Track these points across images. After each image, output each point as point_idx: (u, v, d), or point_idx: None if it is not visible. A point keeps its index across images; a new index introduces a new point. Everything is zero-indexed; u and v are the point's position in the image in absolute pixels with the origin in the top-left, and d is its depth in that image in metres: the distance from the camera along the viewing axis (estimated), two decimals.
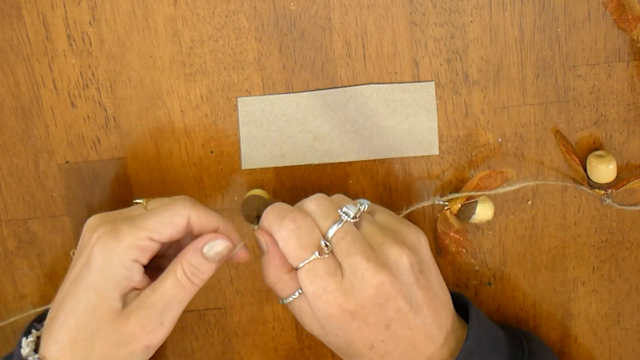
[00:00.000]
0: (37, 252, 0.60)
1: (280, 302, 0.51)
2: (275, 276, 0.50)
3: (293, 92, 0.56)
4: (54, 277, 0.60)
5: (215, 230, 0.50)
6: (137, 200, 0.52)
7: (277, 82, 0.56)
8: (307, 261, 0.48)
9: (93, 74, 0.55)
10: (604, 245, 0.59)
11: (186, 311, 0.60)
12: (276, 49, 0.55)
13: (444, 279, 0.60)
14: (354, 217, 0.49)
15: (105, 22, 0.54)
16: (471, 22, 0.54)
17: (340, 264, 0.48)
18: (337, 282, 0.48)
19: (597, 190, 0.55)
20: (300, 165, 0.57)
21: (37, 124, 0.57)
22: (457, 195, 0.57)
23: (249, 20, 0.54)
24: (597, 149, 0.56)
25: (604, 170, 0.55)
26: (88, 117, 0.56)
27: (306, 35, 0.55)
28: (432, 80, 0.55)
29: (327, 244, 0.48)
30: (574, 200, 0.58)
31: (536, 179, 0.57)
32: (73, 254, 0.59)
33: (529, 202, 0.58)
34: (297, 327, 0.61)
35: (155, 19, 0.54)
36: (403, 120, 0.56)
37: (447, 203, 0.57)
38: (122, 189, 0.58)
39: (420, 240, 0.51)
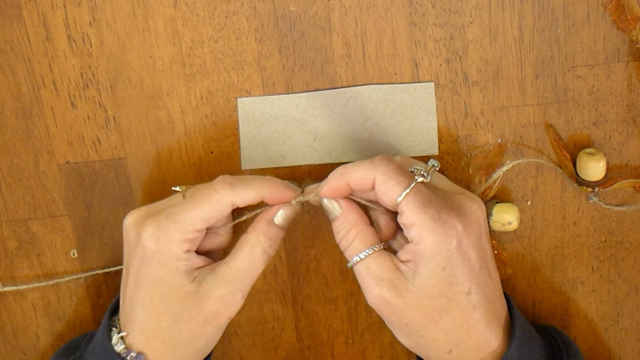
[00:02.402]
0: (37, 252, 0.60)
1: (351, 263, 0.50)
2: (355, 230, 0.50)
3: (293, 93, 0.56)
4: (54, 277, 0.60)
5: (261, 201, 0.51)
6: (176, 188, 0.52)
7: (277, 83, 0.56)
8: (412, 184, 0.47)
9: (93, 75, 0.56)
10: (603, 246, 0.59)
11: None
12: (276, 50, 0.55)
13: None
14: (423, 176, 0.49)
15: (106, 23, 0.54)
16: (471, 22, 0.54)
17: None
18: (445, 205, 0.48)
19: (584, 187, 0.56)
20: (300, 166, 0.57)
21: (37, 125, 0.57)
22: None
23: (249, 21, 0.54)
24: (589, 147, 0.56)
25: (593, 167, 0.55)
26: (88, 117, 0.57)
27: (306, 35, 0.55)
28: (431, 81, 0.55)
29: (426, 173, 0.49)
30: (574, 200, 0.58)
31: (536, 179, 0.57)
32: (73, 254, 0.60)
33: (529, 203, 0.58)
34: (297, 327, 0.62)
35: (156, 19, 0.54)
36: (403, 121, 0.56)
37: None
38: (122, 189, 0.58)
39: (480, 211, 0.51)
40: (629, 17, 0.53)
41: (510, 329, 0.51)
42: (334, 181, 0.50)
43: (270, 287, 0.60)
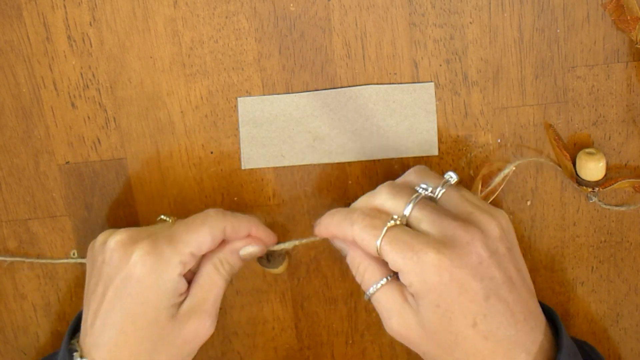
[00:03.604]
0: (37, 252, 0.60)
1: (367, 296, 0.50)
2: (361, 265, 0.50)
3: (293, 93, 0.56)
4: (54, 277, 0.60)
5: (249, 234, 0.53)
6: (164, 218, 0.54)
7: (277, 83, 0.56)
8: (383, 232, 0.47)
9: (93, 75, 0.56)
10: (602, 246, 0.59)
11: None
12: (276, 50, 0.55)
13: None
14: (434, 191, 0.49)
15: (106, 23, 0.54)
16: (470, 23, 0.54)
17: (422, 230, 0.48)
18: (425, 241, 0.46)
19: (584, 187, 0.56)
20: (300, 166, 0.57)
21: (37, 125, 0.57)
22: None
23: (249, 21, 0.54)
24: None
25: (592, 167, 0.55)
26: (88, 117, 0.57)
27: (306, 36, 0.55)
28: (431, 81, 0.55)
29: (399, 217, 0.48)
30: (573, 200, 0.58)
31: (535, 179, 0.57)
32: (74, 254, 0.60)
33: (528, 203, 0.58)
34: (297, 327, 0.62)
35: (155, 20, 0.54)
36: (402, 121, 0.56)
37: None
38: (122, 190, 0.58)
39: (508, 220, 0.49)
40: (628, 18, 0.53)
41: (553, 352, 0.48)
42: (324, 233, 0.52)
43: (270, 287, 0.60)
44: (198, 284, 0.52)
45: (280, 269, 0.58)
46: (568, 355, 0.48)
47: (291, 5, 0.54)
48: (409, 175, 0.52)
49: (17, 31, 0.55)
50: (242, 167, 0.58)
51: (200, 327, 0.51)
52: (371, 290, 0.50)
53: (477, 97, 0.56)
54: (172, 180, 0.58)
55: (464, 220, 0.47)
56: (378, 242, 0.47)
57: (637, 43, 0.53)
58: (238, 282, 0.60)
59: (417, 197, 0.48)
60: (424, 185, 0.50)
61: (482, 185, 0.56)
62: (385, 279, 0.49)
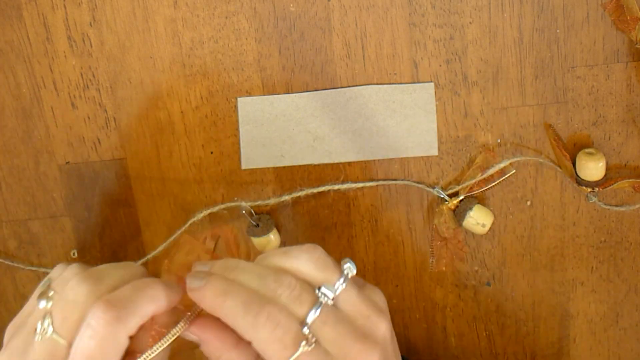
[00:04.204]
0: (37, 253, 0.60)
1: None
2: (226, 354, 0.42)
3: (293, 93, 0.56)
4: None
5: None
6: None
7: (277, 83, 0.56)
8: (294, 357, 0.40)
9: (93, 75, 0.56)
10: (602, 246, 0.59)
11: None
12: (276, 50, 0.55)
13: (444, 278, 0.60)
14: (334, 291, 0.42)
15: (106, 24, 0.54)
16: (470, 23, 0.54)
17: (327, 350, 0.41)
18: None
19: (584, 187, 0.56)
20: (299, 165, 0.57)
21: (37, 125, 0.57)
22: (457, 187, 0.57)
23: (249, 21, 0.54)
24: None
25: (592, 168, 0.55)
26: (88, 117, 0.57)
27: (306, 36, 0.55)
28: (431, 81, 0.55)
29: (308, 333, 0.41)
30: (573, 200, 0.58)
31: (535, 179, 0.57)
32: (74, 254, 0.60)
33: (528, 203, 0.58)
34: None
35: (156, 20, 0.54)
36: (402, 121, 0.56)
37: (446, 197, 0.57)
38: (122, 190, 0.58)
39: (387, 306, 0.45)
40: (628, 18, 0.53)
41: None
42: (206, 305, 0.42)
43: None
44: None
45: (271, 244, 0.57)
46: None
47: (291, 5, 0.54)
48: (305, 266, 0.43)
49: (17, 31, 0.55)
50: (242, 167, 0.58)
51: None
52: None
53: (477, 97, 0.56)
54: (172, 180, 0.58)
55: (363, 335, 0.42)
56: None
57: (636, 43, 0.53)
58: None
59: (319, 305, 0.41)
60: (325, 291, 0.42)
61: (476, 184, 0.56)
62: None
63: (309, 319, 0.41)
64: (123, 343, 0.40)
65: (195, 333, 0.42)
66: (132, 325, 0.40)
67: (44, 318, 0.41)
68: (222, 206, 0.58)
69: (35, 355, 0.41)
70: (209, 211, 0.58)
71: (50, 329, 0.41)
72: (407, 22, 0.54)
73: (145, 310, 0.41)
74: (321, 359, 0.41)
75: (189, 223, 0.58)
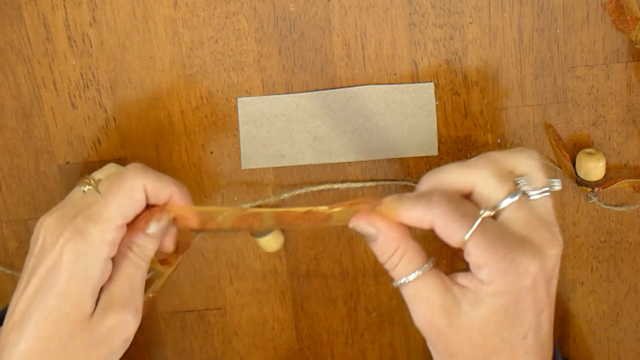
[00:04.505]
0: None
1: (399, 283, 0.45)
2: (400, 251, 0.45)
3: (293, 93, 0.56)
4: None
5: (169, 197, 0.48)
6: (84, 188, 0.49)
7: (277, 83, 0.56)
8: (476, 224, 0.43)
9: (93, 75, 0.56)
10: (602, 246, 0.59)
11: (186, 311, 0.61)
12: (276, 50, 0.55)
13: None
14: (532, 191, 0.44)
15: (106, 24, 0.55)
16: (470, 23, 0.54)
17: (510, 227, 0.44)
18: (520, 241, 0.43)
19: (584, 187, 0.56)
20: (299, 165, 0.57)
21: (37, 125, 0.57)
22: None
23: (249, 21, 0.54)
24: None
25: (592, 167, 0.55)
26: (88, 117, 0.57)
27: (306, 36, 0.55)
28: (431, 81, 0.55)
29: (489, 208, 0.44)
30: (573, 200, 0.58)
31: None
32: None
33: None
34: (297, 327, 0.62)
35: (156, 20, 0.54)
36: (402, 121, 0.56)
37: None
38: None
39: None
40: (628, 18, 0.53)
41: None
42: (384, 217, 0.46)
43: (270, 287, 0.60)
44: (113, 279, 0.47)
45: (273, 243, 0.57)
46: None
47: (291, 5, 0.54)
48: (517, 159, 0.46)
49: (17, 31, 0.55)
50: (242, 168, 0.58)
51: (119, 324, 0.46)
52: (412, 276, 0.44)
53: (477, 97, 0.56)
54: None
55: (550, 230, 0.44)
56: (467, 235, 0.43)
57: (636, 43, 0.53)
58: (238, 282, 0.60)
59: (517, 193, 0.44)
60: (523, 182, 0.44)
61: None
62: (426, 266, 0.45)
63: (503, 204, 0.44)
64: (141, 196, 0.47)
65: (374, 223, 0.45)
66: (154, 183, 0.47)
67: (86, 183, 0.49)
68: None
69: (74, 199, 0.48)
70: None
71: (91, 187, 0.48)
72: (407, 22, 0.54)
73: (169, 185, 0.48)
74: (503, 230, 0.43)
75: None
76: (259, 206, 0.58)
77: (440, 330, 0.44)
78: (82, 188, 0.48)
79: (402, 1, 0.54)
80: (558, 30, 0.54)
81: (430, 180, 0.46)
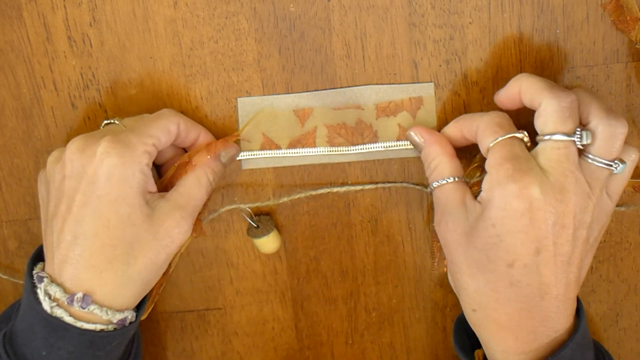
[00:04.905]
0: None
1: (430, 189, 0.52)
2: (435, 160, 0.51)
3: (293, 93, 0.56)
4: None
5: (198, 138, 0.54)
6: (110, 121, 0.53)
7: (277, 83, 0.56)
8: (504, 137, 0.48)
9: (93, 75, 0.56)
10: (602, 246, 0.59)
11: (186, 311, 0.61)
12: (276, 50, 0.55)
13: (444, 278, 0.60)
14: (584, 143, 0.47)
15: (106, 24, 0.55)
16: (470, 23, 0.54)
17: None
18: (536, 171, 0.46)
19: None
20: (299, 166, 0.57)
21: (37, 125, 0.57)
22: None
23: (249, 21, 0.54)
24: None
25: None
26: (88, 118, 0.57)
27: (306, 36, 0.55)
28: (431, 82, 0.55)
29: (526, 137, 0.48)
30: None
31: None
32: None
33: None
34: (297, 327, 0.62)
35: (156, 20, 0.54)
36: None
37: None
38: None
39: None
40: (628, 18, 0.53)
41: (572, 330, 0.48)
42: (449, 130, 0.53)
43: (270, 287, 0.60)
44: (177, 191, 0.51)
45: (271, 244, 0.57)
46: (583, 337, 0.48)
47: (291, 5, 0.54)
48: (590, 106, 0.48)
49: (17, 32, 0.55)
50: (242, 168, 0.58)
51: (176, 228, 0.49)
52: (435, 184, 0.51)
53: (477, 98, 0.56)
54: None
55: (579, 186, 0.46)
56: (492, 143, 0.48)
57: (636, 43, 0.53)
58: (238, 282, 0.60)
59: (571, 140, 0.46)
60: (584, 136, 0.47)
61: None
62: (452, 178, 0.50)
63: (546, 138, 0.47)
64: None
65: (422, 135, 0.53)
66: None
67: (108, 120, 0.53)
68: (222, 210, 0.58)
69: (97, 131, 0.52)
70: (210, 217, 0.58)
71: (114, 121, 0.52)
72: (407, 22, 0.54)
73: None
74: (527, 156, 0.47)
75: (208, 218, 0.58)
76: (258, 208, 0.58)
77: (443, 234, 0.49)
78: (105, 122, 0.53)
79: (402, 1, 0.54)
80: (558, 31, 0.54)
81: (458, 123, 0.53)
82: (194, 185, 0.51)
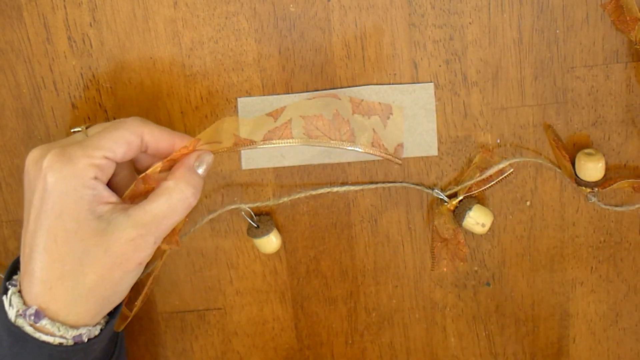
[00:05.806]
0: None
1: None
2: None
3: (293, 93, 0.56)
4: None
5: (173, 147, 0.50)
6: (76, 129, 0.51)
7: (277, 83, 0.56)
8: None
9: (93, 75, 0.56)
10: (602, 246, 0.59)
11: (186, 311, 0.61)
12: (276, 51, 0.55)
13: (443, 278, 0.60)
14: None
15: (106, 24, 0.55)
16: (470, 23, 0.54)
17: None
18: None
19: (583, 188, 0.56)
20: (299, 166, 0.58)
21: (37, 125, 0.57)
22: (456, 187, 0.57)
23: (249, 21, 0.54)
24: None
25: (592, 168, 0.55)
26: (88, 118, 0.57)
27: (305, 36, 0.55)
28: (431, 82, 0.55)
29: None
30: (572, 200, 0.58)
31: (535, 180, 0.57)
32: None
33: (528, 203, 0.58)
34: (297, 327, 0.62)
35: (156, 20, 0.54)
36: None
37: (445, 198, 0.57)
38: None
39: None
40: (627, 18, 0.53)
41: None
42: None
43: (270, 287, 0.61)
44: (142, 207, 0.47)
45: (271, 244, 0.57)
46: None
47: (291, 5, 0.54)
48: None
49: (17, 32, 0.55)
50: (242, 168, 0.58)
51: (130, 249, 0.46)
52: None
53: (477, 98, 0.56)
54: None
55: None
56: None
57: (636, 44, 0.53)
58: (238, 282, 0.60)
59: None
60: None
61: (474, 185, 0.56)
62: None
63: None
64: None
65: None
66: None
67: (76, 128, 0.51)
68: (222, 210, 0.58)
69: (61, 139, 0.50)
70: (210, 217, 0.58)
71: (80, 129, 0.50)
72: (407, 23, 0.54)
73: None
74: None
75: (191, 231, 0.58)
76: (258, 208, 0.58)
77: None
78: (73, 130, 0.50)
79: (402, 1, 0.54)
80: (558, 31, 0.54)
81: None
82: (162, 202, 0.47)
